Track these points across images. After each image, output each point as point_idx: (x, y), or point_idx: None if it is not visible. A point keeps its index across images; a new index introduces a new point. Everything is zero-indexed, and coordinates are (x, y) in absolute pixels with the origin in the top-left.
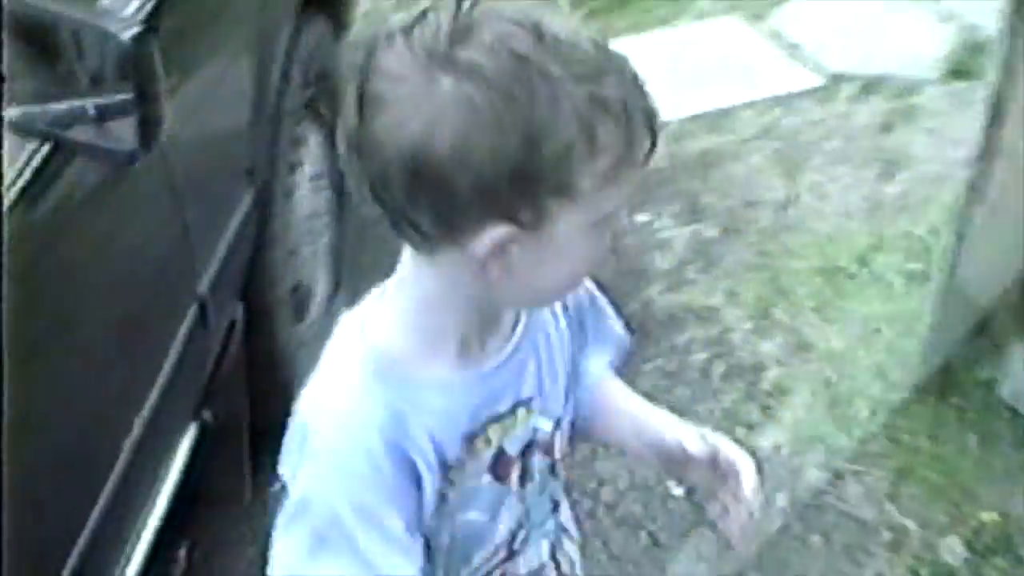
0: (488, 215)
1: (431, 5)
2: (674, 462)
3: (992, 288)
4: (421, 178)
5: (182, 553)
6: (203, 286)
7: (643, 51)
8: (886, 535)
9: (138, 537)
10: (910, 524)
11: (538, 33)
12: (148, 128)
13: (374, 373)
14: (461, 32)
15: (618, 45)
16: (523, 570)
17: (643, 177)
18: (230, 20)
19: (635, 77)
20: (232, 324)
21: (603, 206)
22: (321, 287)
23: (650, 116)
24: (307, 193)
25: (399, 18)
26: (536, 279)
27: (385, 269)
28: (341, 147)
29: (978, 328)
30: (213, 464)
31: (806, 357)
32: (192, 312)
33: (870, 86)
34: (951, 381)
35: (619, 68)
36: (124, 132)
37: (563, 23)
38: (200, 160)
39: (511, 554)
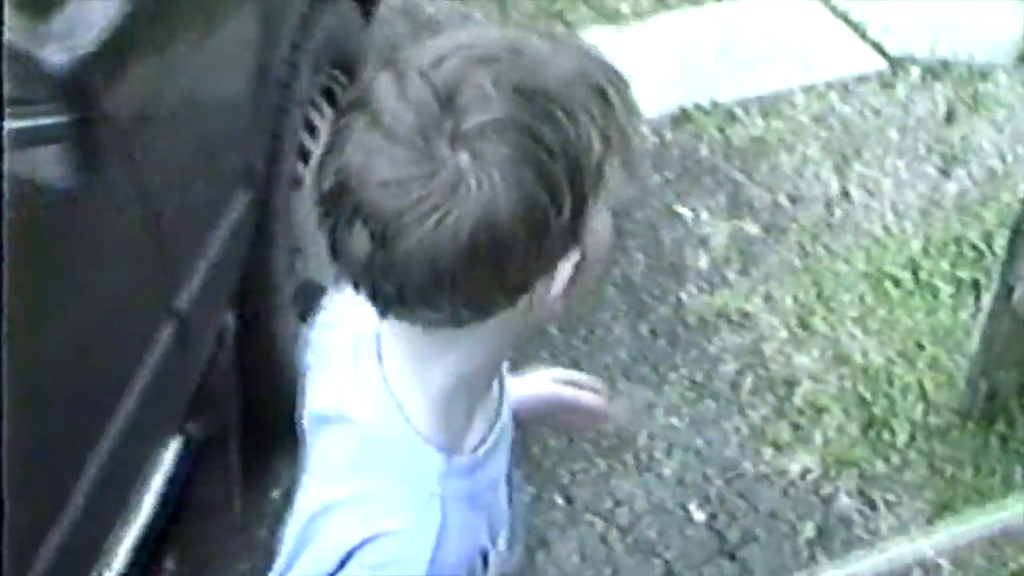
0: (561, 252)
1: (367, 84)
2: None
3: None
4: (481, 258)
5: (169, 565)
6: (183, 301)
7: (697, 26)
8: (917, 573)
9: (115, 553)
10: (944, 564)
11: (516, 56)
12: (84, 154)
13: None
14: (445, 103)
15: (673, 18)
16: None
17: (687, 167)
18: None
19: (602, 56)
20: (223, 333)
21: (617, 195)
22: (328, 285)
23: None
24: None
25: (348, 118)
26: (578, 288)
27: None
28: (350, 279)
29: None
30: (202, 476)
31: (842, 372)
32: (168, 329)
33: (935, 71)
34: (997, 407)
35: (592, 54)
36: (59, 158)
37: (518, 35)
38: (181, 167)
39: None
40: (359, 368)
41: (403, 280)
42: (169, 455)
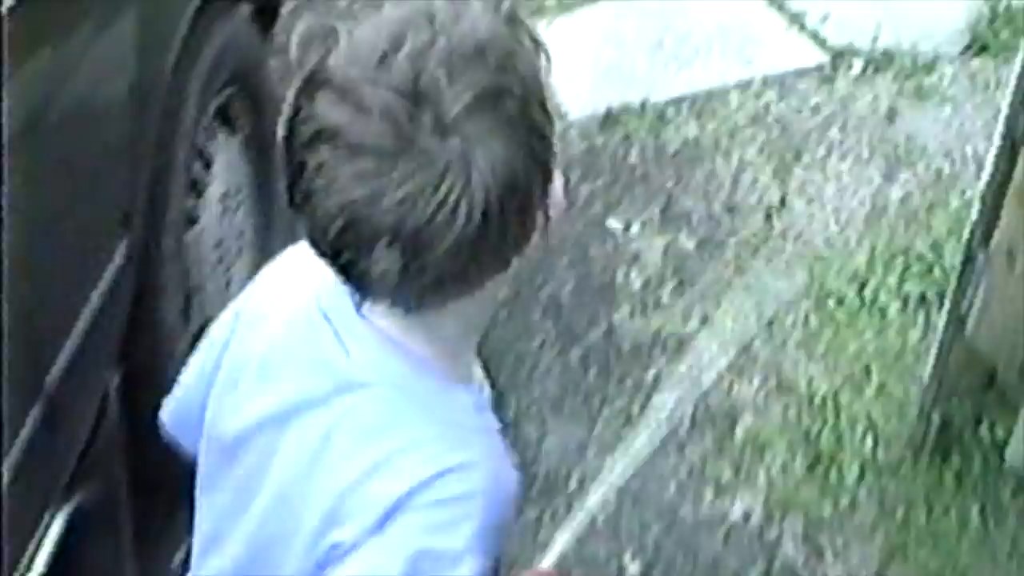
0: (546, 193)
1: (314, 116)
2: None
3: (1008, 349)
4: (510, 222)
5: None
6: (52, 378)
7: (627, 18)
8: None
9: None
10: None
11: (439, 25)
12: None
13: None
14: (412, 99)
15: (601, 10)
16: None
17: (617, 175)
18: (92, 12)
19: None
20: (105, 395)
21: None
22: None
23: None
24: (214, 218)
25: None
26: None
27: None
28: (379, 297)
29: (986, 379)
30: (92, 548)
31: (786, 402)
32: (36, 411)
33: (878, 63)
34: (951, 439)
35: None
36: None
37: (412, 5)
38: (44, 224)
39: None
40: (339, 337)
41: (442, 274)
42: (55, 529)
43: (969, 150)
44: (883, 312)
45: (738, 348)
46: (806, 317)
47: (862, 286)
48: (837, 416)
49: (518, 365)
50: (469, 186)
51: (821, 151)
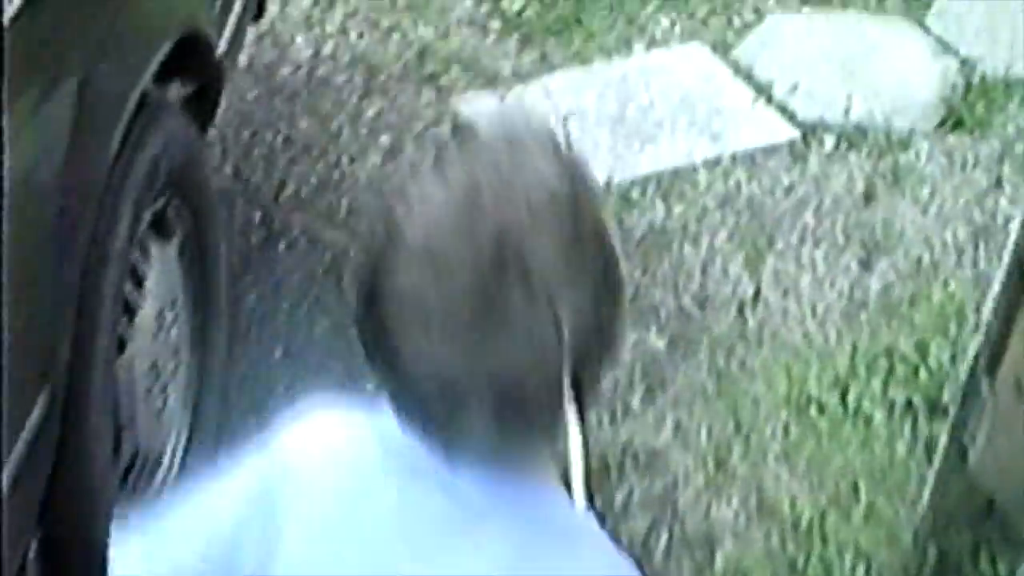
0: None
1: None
2: None
3: (1016, 485)
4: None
5: None
6: None
7: (585, 90)
8: None
9: None
10: None
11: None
12: None
13: None
14: (503, 253)
15: (558, 81)
16: None
17: None
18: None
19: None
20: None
21: None
22: (172, 447)
23: None
24: (147, 339)
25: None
26: None
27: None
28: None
29: (985, 508)
30: None
31: (768, 527)
32: None
33: (851, 138)
34: (950, 571)
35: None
36: None
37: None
38: None
39: None
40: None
41: (530, 419)
42: None
43: (949, 236)
44: (868, 421)
45: (714, 462)
46: (786, 428)
47: (844, 392)
48: (824, 543)
49: None
50: (560, 345)
51: (795, 237)
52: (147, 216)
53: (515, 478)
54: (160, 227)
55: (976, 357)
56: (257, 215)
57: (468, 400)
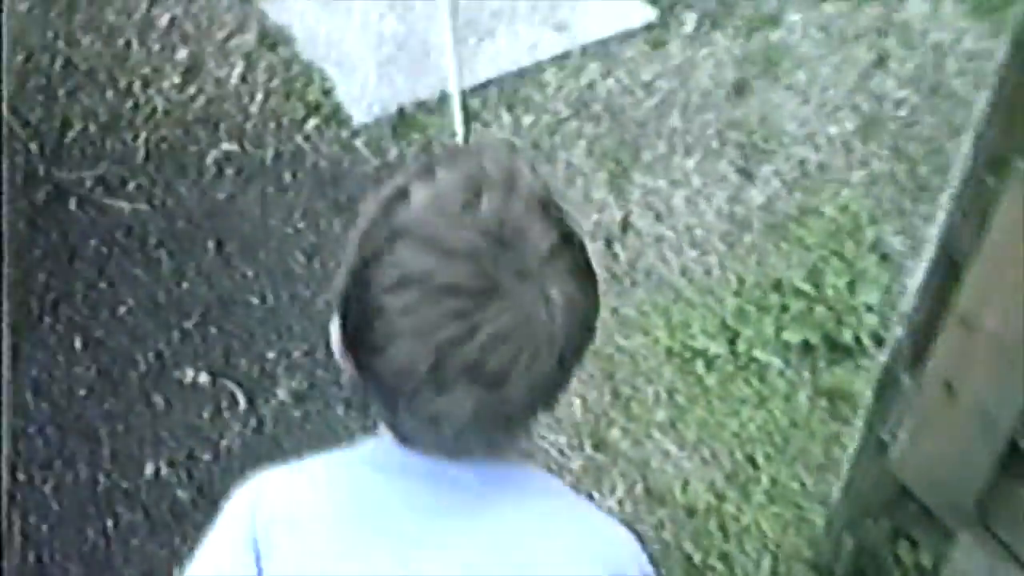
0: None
1: (398, 263)
2: None
3: (944, 487)
4: (578, 359)
5: None
6: None
7: None
8: None
9: None
10: None
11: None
12: None
13: None
14: (496, 242)
15: None
16: None
17: None
18: None
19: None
20: None
21: None
22: None
23: None
24: None
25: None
26: None
27: None
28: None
29: (903, 493)
30: None
31: (660, 516)
32: None
33: (714, 16)
34: (867, 562)
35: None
36: None
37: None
38: None
39: None
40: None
41: (511, 410)
42: None
43: (833, 130)
44: (762, 373)
45: (591, 440)
46: (670, 390)
47: (733, 339)
48: (724, 532)
49: None
50: (553, 326)
51: (662, 145)
52: None
53: (499, 462)
54: None
55: (895, 350)
56: (40, 167)
57: (459, 377)
